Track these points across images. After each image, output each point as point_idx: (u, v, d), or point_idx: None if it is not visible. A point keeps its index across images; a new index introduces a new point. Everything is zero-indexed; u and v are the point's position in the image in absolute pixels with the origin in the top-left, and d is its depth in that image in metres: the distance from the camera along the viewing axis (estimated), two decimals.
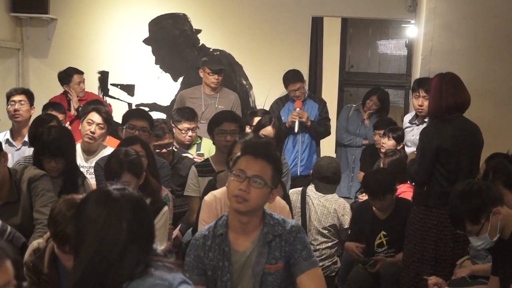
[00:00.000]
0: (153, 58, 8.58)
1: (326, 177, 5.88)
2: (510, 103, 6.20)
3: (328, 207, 5.83)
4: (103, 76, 8.64)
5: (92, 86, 8.24)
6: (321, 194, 5.88)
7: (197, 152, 6.36)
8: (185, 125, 6.33)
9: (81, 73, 7.60)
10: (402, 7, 7.90)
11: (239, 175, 3.26)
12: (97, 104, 6.17)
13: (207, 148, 6.41)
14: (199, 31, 8.48)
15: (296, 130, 7.15)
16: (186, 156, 6.07)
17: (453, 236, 4.83)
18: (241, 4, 8.42)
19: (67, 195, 3.48)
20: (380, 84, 9.40)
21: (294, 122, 7.12)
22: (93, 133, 5.67)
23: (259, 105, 8.20)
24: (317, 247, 5.78)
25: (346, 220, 5.84)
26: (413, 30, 8.03)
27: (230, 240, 3.34)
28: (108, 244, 2.41)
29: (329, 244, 5.87)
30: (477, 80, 6.03)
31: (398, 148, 6.36)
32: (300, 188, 6.01)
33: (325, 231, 5.82)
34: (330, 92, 9.76)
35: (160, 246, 4.22)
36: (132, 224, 2.45)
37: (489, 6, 6.24)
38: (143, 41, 8.56)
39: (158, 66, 8.59)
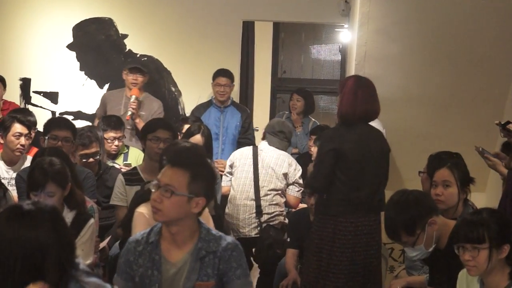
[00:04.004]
0: (78, 64, 8.38)
1: (281, 132, 6.19)
2: (446, 109, 6.16)
3: (282, 159, 6.15)
4: (25, 83, 8.36)
5: (13, 94, 7.96)
6: (274, 147, 6.16)
7: (124, 162, 6.26)
8: (111, 134, 6.24)
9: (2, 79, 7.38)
10: (335, 11, 7.81)
11: (157, 185, 3.23)
12: (17, 113, 5.90)
13: (135, 157, 6.35)
14: (125, 36, 8.31)
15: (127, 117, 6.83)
16: (113, 166, 5.94)
17: (352, 246, 4.71)
18: (170, 8, 8.28)
19: None
20: (314, 90, 9.35)
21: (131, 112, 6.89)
22: (23, 145, 5.52)
23: (188, 112, 8.05)
24: (269, 192, 6.05)
25: (295, 175, 6.11)
26: (346, 35, 7.93)
27: (162, 249, 3.28)
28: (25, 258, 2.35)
29: (278, 194, 6.09)
30: (412, 86, 6.02)
31: None
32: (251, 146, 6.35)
33: (278, 181, 6.06)
34: (262, 98, 9.77)
35: (87, 260, 4.06)
36: (49, 236, 2.39)
37: (423, 10, 6.23)
38: (67, 47, 8.34)
39: (83, 72, 8.39)
